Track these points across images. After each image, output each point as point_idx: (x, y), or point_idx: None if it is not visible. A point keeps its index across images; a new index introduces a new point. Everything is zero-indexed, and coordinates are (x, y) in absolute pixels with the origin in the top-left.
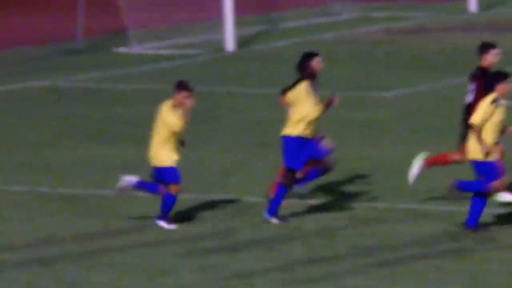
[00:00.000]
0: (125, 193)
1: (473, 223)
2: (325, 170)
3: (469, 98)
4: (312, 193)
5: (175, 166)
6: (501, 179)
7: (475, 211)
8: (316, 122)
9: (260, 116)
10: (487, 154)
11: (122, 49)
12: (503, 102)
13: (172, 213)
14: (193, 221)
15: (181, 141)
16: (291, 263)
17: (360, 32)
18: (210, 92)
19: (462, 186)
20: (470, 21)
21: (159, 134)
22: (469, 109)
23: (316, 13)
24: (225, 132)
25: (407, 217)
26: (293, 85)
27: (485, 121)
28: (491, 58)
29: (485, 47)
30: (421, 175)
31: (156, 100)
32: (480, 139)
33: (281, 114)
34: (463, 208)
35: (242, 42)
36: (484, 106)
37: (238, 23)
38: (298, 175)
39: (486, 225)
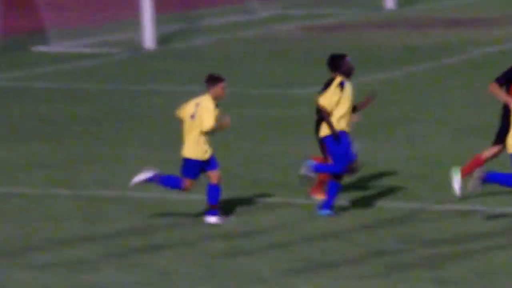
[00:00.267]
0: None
1: None
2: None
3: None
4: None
5: (209, 158)
6: None
7: None
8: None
9: None
10: None
11: (41, 48)
12: None
13: (92, 211)
14: (112, 219)
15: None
16: (211, 259)
17: (279, 29)
18: (129, 90)
19: (493, 178)
20: (388, 18)
21: (195, 128)
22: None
23: (235, 11)
24: (145, 130)
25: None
26: (327, 85)
27: None
28: None
29: None
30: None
31: (75, 99)
32: None
33: None
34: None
35: (162, 40)
36: None
37: (157, 21)
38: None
39: None
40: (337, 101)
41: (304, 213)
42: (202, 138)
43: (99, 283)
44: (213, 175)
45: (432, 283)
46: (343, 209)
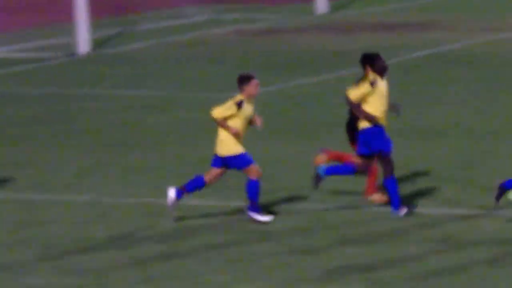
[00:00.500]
0: (176, 206)
1: None
2: (392, 168)
3: None
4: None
5: (244, 152)
6: None
7: None
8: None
9: (114, 117)
10: None
11: None
12: None
13: (27, 215)
14: (49, 222)
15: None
16: (146, 261)
17: (212, 33)
18: (64, 94)
19: None
20: (319, 22)
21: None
22: None
23: (170, 16)
24: (80, 133)
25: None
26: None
27: None
28: None
29: None
30: None
31: (10, 103)
32: None
33: (135, 116)
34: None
35: (96, 45)
36: None
37: (93, 26)
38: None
39: None
40: (366, 97)
41: (236, 215)
42: (229, 136)
43: (34, 286)
44: (251, 171)
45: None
46: (277, 212)
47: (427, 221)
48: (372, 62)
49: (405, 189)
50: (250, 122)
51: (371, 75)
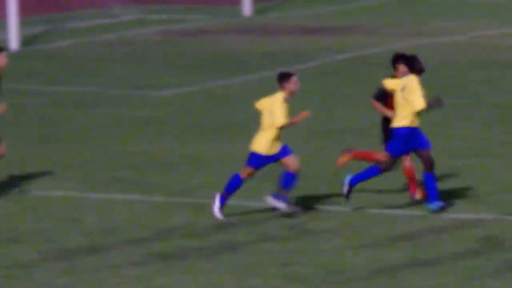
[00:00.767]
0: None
1: None
2: (431, 163)
3: None
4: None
5: (265, 155)
6: None
7: None
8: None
9: (43, 113)
10: None
11: None
12: None
13: None
14: None
15: None
16: (71, 254)
17: (139, 33)
18: None
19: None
20: (245, 24)
21: (267, 123)
22: None
23: (99, 15)
24: (10, 129)
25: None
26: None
27: None
28: None
29: None
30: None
31: None
32: None
33: (64, 111)
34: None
35: (26, 41)
36: None
37: (22, 23)
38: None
39: None
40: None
41: (159, 210)
42: (272, 134)
43: None
44: (289, 163)
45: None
46: (203, 206)
47: (342, 219)
48: (409, 63)
49: (326, 189)
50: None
51: (401, 75)
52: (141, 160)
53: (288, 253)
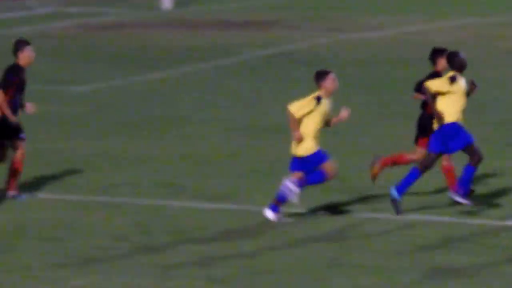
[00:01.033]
0: (297, 197)
1: None
2: (480, 158)
3: None
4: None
5: (319, 150)
6: None
7: None
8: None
9: None
10: None
11: None
12: None
13: None
14: None
15: None
16: None
17: (56, 27)
18: None
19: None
20: (164, 18)
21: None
22: None
23: (13, 7)
24: None
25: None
26: (429, 78)
27: None
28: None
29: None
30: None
31: None
32: None
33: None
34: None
35: None
36: None
37: None
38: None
39: None
40: (445, 92)
41: (77, 209)
42: (309, 135)
43: None
44: (327, 167)
45: (204, 281)
46: (117, 207)
47: (262, 220)
48: (450, 59)
49: (251, 185)
50: (327, 122)
51: (451, 72)
52: (59, 158)
53: (210, 254)
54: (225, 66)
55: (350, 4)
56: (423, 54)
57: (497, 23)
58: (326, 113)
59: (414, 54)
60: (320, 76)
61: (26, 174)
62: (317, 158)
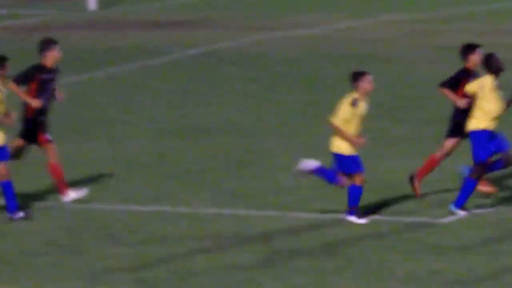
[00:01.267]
0: (304, 176)
1: None
2: (509, 162)
3: None
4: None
5: (356, 155)
6: None
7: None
8: None
9: None
10: None
11: None
12: None
13: None
14: None
15: None
16: None
17: None
18: None
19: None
20: (90, 19)
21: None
22: None
23: None
24: None
25: None
26: (457, 78)
27: None
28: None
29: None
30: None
31: None
32: None
33: None
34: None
35: None
36: None
37: None
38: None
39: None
40: (483, 93)
41: (5, 215)
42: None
43: None
44: (358, 178)
45: (133, 285)
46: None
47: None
48: (486, 62)
49: (181, 187)
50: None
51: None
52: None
53: (139, 257)
54: (151, 67)
55: (277, 3)
56: (353, 51)
57: (428, 19)
58: (363, 115)
59: (344, 51)
60: (357, 76)
61: None
62: (350, 162)
